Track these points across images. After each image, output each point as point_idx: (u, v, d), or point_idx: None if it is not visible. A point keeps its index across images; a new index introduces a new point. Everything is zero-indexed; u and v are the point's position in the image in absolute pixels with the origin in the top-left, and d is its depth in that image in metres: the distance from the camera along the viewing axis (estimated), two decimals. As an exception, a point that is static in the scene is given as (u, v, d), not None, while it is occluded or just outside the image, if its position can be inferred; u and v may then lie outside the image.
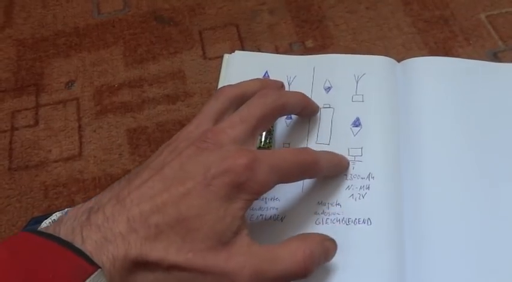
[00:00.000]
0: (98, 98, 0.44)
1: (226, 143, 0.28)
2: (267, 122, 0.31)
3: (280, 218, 0.34)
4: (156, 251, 0.26)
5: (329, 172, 0.34)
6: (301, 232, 0.33)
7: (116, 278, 0.25)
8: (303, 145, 0.37)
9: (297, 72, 0.40)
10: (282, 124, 0.38)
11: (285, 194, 0.35)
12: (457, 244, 0.32)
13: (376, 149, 0.36)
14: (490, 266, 0.31)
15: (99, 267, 0.24)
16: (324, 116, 0.38)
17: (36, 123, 0.43)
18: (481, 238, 0.32)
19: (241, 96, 0.32)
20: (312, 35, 0.46)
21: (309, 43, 0.45)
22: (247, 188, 0.27)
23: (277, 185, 0.34)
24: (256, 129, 0.30)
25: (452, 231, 0.33)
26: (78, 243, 0.25)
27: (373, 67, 0.40)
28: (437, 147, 0.36)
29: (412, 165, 0.35)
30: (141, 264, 0.26)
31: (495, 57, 0.42)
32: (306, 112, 0.36)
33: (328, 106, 0.38)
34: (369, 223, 0.33)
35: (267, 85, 0.34)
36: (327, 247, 0.29)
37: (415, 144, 0.36)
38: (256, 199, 0.28)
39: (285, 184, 0.35)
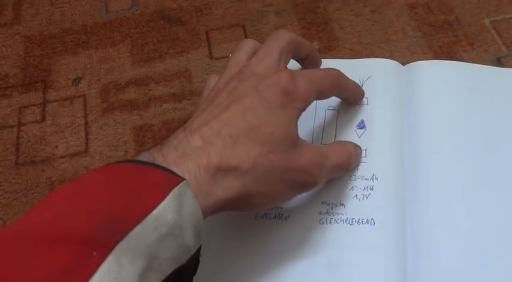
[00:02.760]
0: (104, 95, 0.45)
1: (262, 71, 0.31)
2: (287, 52, 0.33)
3: (284, 217, 0.34)
4: (238, 156, 0.28)
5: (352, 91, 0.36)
6: (305, 231, 0.34)
7: (203, 185, 0.27)
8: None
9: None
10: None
11: (289, 193, 0.35)
12: (459, 245, 0.33)
13: (380, 151, 0.36)
14: (492, 267, 0.32)
15: (185, 179, 0.25)
16: (329, 118, 0.38)
17: (43, 119, 0.44)
18: (483, 239, 0.33)
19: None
20: (318, 37, 0.46)
21: (315, 45, 0.46)
22: (296, 96, 0.30)
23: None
24: (280, 58, 0.32)
25: (454, 233, 0.33)
26: (159, 161, 0.26)
27: (378, 70, 0.40)
28: (440, 149, 0.36)
29: (415, 166, 0.36)
30: (224, 170, 0.27)
31: (498, 62, 0.43)
32: (311, 59, 0.36)
33: (333, 108, 0.39)
34: (372, 223, 0.33)
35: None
36: (359, 150, 0.35)
37: (419, 146, 0.37)
38: (304, 109, 0.31)
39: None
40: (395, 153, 0.36)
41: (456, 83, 0.40)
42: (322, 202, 0.34)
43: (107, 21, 0.50)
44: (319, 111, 0.39)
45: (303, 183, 0.30)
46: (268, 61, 0.31)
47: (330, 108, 0.39)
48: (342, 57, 0.43)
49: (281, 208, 0.35)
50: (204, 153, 0.27)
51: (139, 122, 0.43)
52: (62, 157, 0.42)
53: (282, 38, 0.33)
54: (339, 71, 0.34)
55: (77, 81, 0.46)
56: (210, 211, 0.27)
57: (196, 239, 0.26)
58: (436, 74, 0.40)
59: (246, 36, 0.47)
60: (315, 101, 0.38)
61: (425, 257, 0.32)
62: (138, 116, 0.43)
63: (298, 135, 0.30)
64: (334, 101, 0.39)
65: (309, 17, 0.48)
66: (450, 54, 0.44)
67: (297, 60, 0.36)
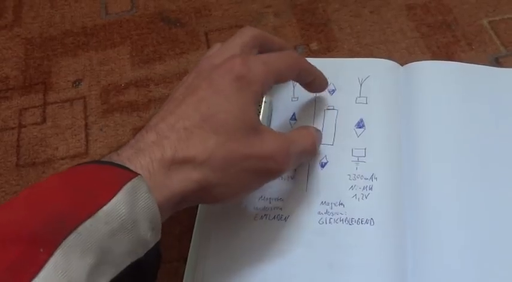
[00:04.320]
0: (104, 96, 0.45)
1: (219, 61, 0.31)
2: (250, 47, 0.33)
3: (284, 218, 0.35)
4: (193, 147, 0.27)
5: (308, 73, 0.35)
6: (305, 231, 0.34)
7: (158, 178, 0.26)
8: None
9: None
10: (286, 125, 0.39)
11: (289, 194, 0.35)
12: (459, 245, 0.33)
13: (379, 150, 0.36)
14: (491, 267, 0.32)
15: (138, 174, 0.25)
16: (328, 117, 0.38)
17: (44, 121, 0.44)
18: (482, 239, 0.33)
19: None
20: (317, 38, 0.46)
21: (314, 46, 0.46)
22: (250, 79, 0.29)
23: (281, 186, 0.35)
24: (242, 53, 0.32)
25: (453, 232, 0.33)
26: (114, 159, 0.27)
27: (376, 70, 0.40)
28: (439, 149, 0.36)
29: (414, 166, 0.36)
30: (179, 162, 0.27)
31: (497, 62, 0.43)
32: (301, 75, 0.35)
33: (332, 108, 0.39)
34: (372, 223, 0.33)
35: None
36: (320, 133, 0.36)
37: (418, 146, 0.37)
38: (262, 93, 0.30)
39: (289, 184, 0.35)
40: (394, 152, 0.36)
41: (454, 83, 0.40)
42: (322, 202, 0.35)
43: (106, 23, 0.50)
44: (318, 111, 0.39)
45: (268, 171, 0.30)
46: (227, 53, 0.31)
47: (329, 108, 0.39)
48: (341, 58, 0.43)
49: (280, 208, 0.35)
50: (158, 147, 0.27)
51: (139, 123, 0.43)
52: (63, 159, 0.42)
53: (245, 33, 0.33)
54: (296, 53, 0.33)
55: (77, 83, 0.46)
56: (170, 204, 0.27)
57: (153, 233, 0.26)
58: (435, 75, 0.40)
59: (245, 38, 0.47)
60: (314, 101, 0.39)
61: (425, 257, 0.32)
62: (138, 118, 0.43)
63: (258, 121, 0.30)
64: (333, 100, 0.39)
65: (307, 18, 0.48)
66: (448, 55, 0.44)
67: (302, 85, 0.36)
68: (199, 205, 0.37)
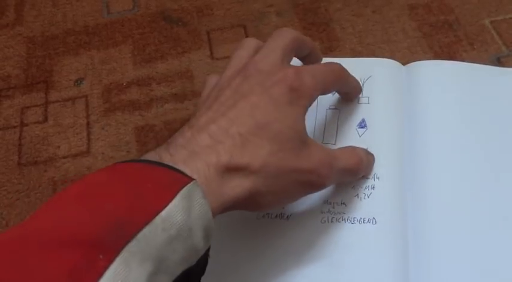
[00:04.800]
0: (106, 95, 0.45)
1: (266, 68, 0.30)
2: (290, 50, 0.32)
3: (286, 217, 0.35)
4: (248, 155, 0.27)
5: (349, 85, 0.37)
6: (307, 231, 0.34)
7: (213, 184, 0.26)
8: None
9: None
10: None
11: (291, 192, 0.35)
12: (461, 244, 0.33)
13: (381, 150, 0.36)
14: (493, 267, 0.32)
15: (194, 179, 0.25)
16: (330, 117, 0.38)
17: (46, 119, 0.44)
18: (484, 239, 0.33)
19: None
20: (319, 38, 0.46)
21: (316, 45, 0.46)
22: (302, 92, 0.30)
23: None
24: (283, 55, 0.31)
25: (456, 232, 0.33)
26: (166, 160, 0.26)
27: (379, 70, 0.40)
28: (441, 149, 0.36)
29: (416, 166, 0.36)
30: (234, 169, 0.27)
31: (498, 61, 0.43)
32: (314, 56, 0.36)
33: (334, 108, 0.39)
34: (374, 223, 0.33)
35: None
36: (371, 157, 0.35)
37: (420, 145, 0.37)
38: (310, 105, 0.31)
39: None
40: (396, 152, 0.36)
41: (456, 83, 0.40)
42: (324, 201, 0.35)
43: (108, 22, 0.50)
44: (320, 110, 0.39)
45: (311, 184, 0.30)
46: (271, 58, 0.31)
47: (331, 107, 0.39)
48: (343, 57, 0.43)
49: (283, 207, 0.35)
50: (213, 152, 0.27)
51: (141, 123, 0.43)
52: (64, 157, 0.42)
53: (285, 35, 0.32)
54: (340, 64, 0.34)
55: (78, 81, 0.46)
56: (220, 211, 0.27)
57: (205, 240, 0.25)
58: (437, 74, 0.40)
59: (247, 37, 0.47)
60: (316, 101, 0.39)
61: (427, 256, 0.32)
62: (140, 117, 0.43)
63: (306, 133, 0.30)
64: (335, 100, 0.39)
65: (309, 18, 0.48)
66: (450, 54, 0.44)
67: (298, 58, 0.35)
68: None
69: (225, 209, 0.27)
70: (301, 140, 0.29)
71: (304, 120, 0.30)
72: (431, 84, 0.40)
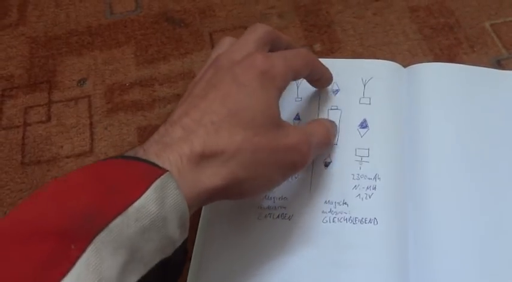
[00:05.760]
0: (109, 96, 0.45)
1: (238, 57, 0.31)
2: (264, 42, 0.33)
3: (288, 217, 0.35)
4: (222, 141, 0.27)
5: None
6: (309, 231, 0.34)
7: (187, 174, 0.26)
8: (311, 146, 0.38)
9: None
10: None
11: (293, 193, 0.36)
12: (461, 244, 0.33)
13: (382, 150, 0.36)
14: (494, 266, 0.32)
15: (167, 171, 0.25)
16: (332, 117, 0.39)
17: (49, 119, 0.44)
18: (484, 238, 0.33)
19: None
20: (320, 39, 0.47)
21: (317, 47, 0.46)
22: (273, 75, 0.30)
23: (286, 185, 0.35)
24: (257, 47, 0.32)
25: (456, 232, 0.33)
26: (140, 155, 0.26)
27: (380, 71, 0.41)
28: (441, 150, 0.37)
29: (417, 166, 0.36)
30: (209, 156, 0.27)
31: (498, 64, 0.43)
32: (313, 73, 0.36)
33: (336, 108, 0.39)
34: (375, 223, 0.34)
35: None
36: (334, 125, 0.36)
37: (420, 146, 0.37)
38: (283, 88, 0.31)
39: (293, 183, 0.36)
40: (397, 153, 0.37)
41: (457, 85, 0.40)
42: (326, 201, 0.35)
43: (111, 22, 0.50)
44: (321, 111, 0.39)
45: (293, 163, 0.30)
46: (244, 49, 0.31)
47: (332, 108, 0.39)
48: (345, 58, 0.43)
49: (284, 208, 0.35)
50: (186, 142, 0.27)
51: (143, 123, 0.43)
52: (67, 157, 0.42)
53: (258, 30, 0.33)
54: (307, 49, 0.34)
55: (81, 82, 0.46)
56: (199, 201, 0.27)
57: (181, 230, 0.26)
58: (437, 76, 0.41)
59: (249, 38, 0.48)
60: (317, 101, 0.40)
61: (428, 256, 0.33)
62: (142, 117, 0.44)
63: (280, 116, 0.30)
64: (336, 100, 0.39)
65: (311, 20, 0.48)
66: (451, 57, 0.44)
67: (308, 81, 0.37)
68: (204, 204, 0.37)
69: (205, 198, 0.27)
70: (276, 123, 0.29)
71: (277, 103, 0.30)
72: (431, 86, 0.40)
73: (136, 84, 0.46)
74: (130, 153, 0.27)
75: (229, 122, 0.28)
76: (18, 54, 0.49)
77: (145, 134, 0.43)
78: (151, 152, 0.27)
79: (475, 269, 0.32)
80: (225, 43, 0.34)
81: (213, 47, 0.47)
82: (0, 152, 0.43)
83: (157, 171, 0.25)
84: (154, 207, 0.24)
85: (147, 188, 0.24)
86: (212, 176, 0.27)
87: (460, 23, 0.47)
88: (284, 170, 0.30)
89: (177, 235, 0.25)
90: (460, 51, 0.45)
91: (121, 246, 0.22)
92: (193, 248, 0.35)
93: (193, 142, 0.27)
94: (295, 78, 0.33)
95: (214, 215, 0.36)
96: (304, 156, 0.30)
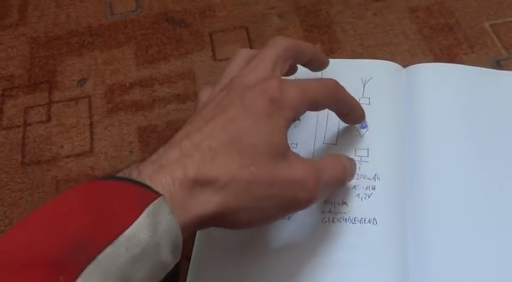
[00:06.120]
0: (109, 96, 0.45)
1: (253, 80, 0.29)
2: (283, 60, 0.31)
3: (287, 217, 0.35)
4: (216, 169, 0.26)
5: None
6: (308, 231, 0.34)
7: (178, 199, 0.25)
8: (311, 146, 0.38)
9: (305, 75, 0.41)
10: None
11: (293, 193, 0.36)
12: (460, 244, 0.33)
13: (382, 151, 0.37)
14: (493, 266, 0.32)
15: (161, 195, 0.24)
16: (332, 117, 0.38)
17: (49, 119, 0.44)
18: (483, 238, 0.33)
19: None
20: (320, 40, 0.47)
21: (317, 47, 0.46)
22: (284, 104, 0.28)
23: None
24: (274, 67, 0.31)
25: (455, 232, 0.33)
26: (134, 176, 0.25)
27: (379, 71, 0.41)
28: (441, 150, 0.37)
29: (417, 167, 0.36)
30: (202, 183, 0.26)
31: (498, 65, 0.43)
32: (316, 62, 0.35)
33: (335, 109, 0.39)
34: (375, 223, 0.34)
35: None
36: (353, 163, 0.33)
37: (420, 146, 0.37)
38: (294, 119, 0.29)
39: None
40: (397, 153, 0.37)
41: (456, 85, 0.40)
42: (325, 201, 0.35)
43: (111, 23, 0.50)
44: (321, 112, 0.39)
45: (295, 200, 0.28)
46: (260, 70, 0.30)
47: (332, 109, 0.39)
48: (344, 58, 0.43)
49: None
50: (180, 166, 0.26)
51: (143, 123, 0.43)
52: (68, 157, 0.42)
53: (278, 44, 0.31)
54: (336, 81, 0.32)
55: (82, 82, 0.47)
56: (189, 227, 0.26)
57: (173, 255, 0.25)
58: (437, 77, 0.41)
59: (249, 39, 0.48)
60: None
61: (427, 256, 0.33)
62: (142, 117, 0.44)
63: (287, 146, 0.28)
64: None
65: (311, 20, 0.48)
66: (450, 57, 0.44)
67: (302, 65, 0.35)
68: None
69: (195, 225, 0.26)
70: (278, 152, 0.27)
71: (284, 133, 0.28)
72: (431, 87, 0.40)
73: (137, 84, 0.46)
74: (125, 173, 0.26)
75: (227, 148, 0.27)
76: (19, 54, 0.49)
77: (145, 134, 0.43)
78: (145, 173, 0.26)
79: (474, 269, 0.32)
80: (242, 58, 0.32)
81: (213, 47, 0.48)
82: (1, 152, 0.43)
83: (151, 195, 0.24)
84: (146, 234, 0.23)
85: (139, 213, 0.23)
86: (204, 204, 0.26)
87: (460, 23, 0.47)
88: (284, 206, 0.28)
89: (170, 259, 0.25)
90: (459, 51, 0.45)
91: (111, 276, 0.22)
92: (192, 248, 0.35)
93: (187, 167, 0.26)
94: (313, 109, 0.31)
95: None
96: (309, 192, 0.28)
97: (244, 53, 0.33)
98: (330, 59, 0.42)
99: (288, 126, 0.29)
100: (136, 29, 0.50)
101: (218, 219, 0.27)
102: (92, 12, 0.51)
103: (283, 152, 0.28)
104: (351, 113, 0.34)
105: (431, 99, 0.39)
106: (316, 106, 0.31)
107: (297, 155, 0.29)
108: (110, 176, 0.26)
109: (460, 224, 0.34)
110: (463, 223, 0.34)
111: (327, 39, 0.47)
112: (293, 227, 0.34)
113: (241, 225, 0.28)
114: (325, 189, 0.30)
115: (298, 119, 0.39)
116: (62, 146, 0.43)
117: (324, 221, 0.34)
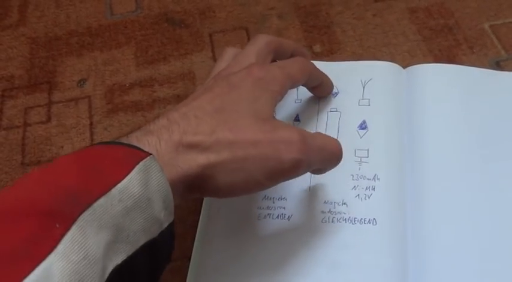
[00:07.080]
0: (109, 96, 0.45)
1: (237, 70, 0.31)
2: (265, 54, 0.33)
3: (287, 217, 0.35)
4: (201, 132, 0.28)
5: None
6: (308, 231, 0.34)
7: (165, 157, 0.27)
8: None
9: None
10: (289, 126, 0.39)
11: (292, 193, 0.36)
12: (459, 245, 0.33)
13: (381, 151, 0.37)
14: (492, 267, 0.32)
15: (151, 154, 0.26)
16: (331, 119, 0.39)
17: (49, 119, 0.44)
18: (483, 239, 0.33)
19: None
20: (320, 40, 0.47)
21: (317, 48, 0.46)
22: (269, 80, 0.30)
23: (285, 185, 0.35)
24: (257, 60, 0.32)
25: (454, 233, 0.33)
26: (123, 140, 0.27)
27: (379, 72, 0.41)
28: (440, 151, 0.37)
29: (416, 167, 0.36)
30: (187, 145, 0.27)
31: (497, 65, 0.44)
32: (299, 54, 0.36)
33: (335, 110, 0.39)
34: (374, 223, 0.34)
35: None
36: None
37: (419, 147, 0.37)
38: (281, 95, 0.31)
39: (293, 184, 0.36)
40: (396, 153, 0.37)
41: (456, 86, 0.40)
42: (325, 201, 0.35)
43: (111, 23, 0.50)
44: (321, 113, 0.39)
45: (279, 160, 0.27)
46: (244, 62, 0.32)
47: (332, 110, 0.39)
48: (344, 60, 0.44)
49: (284, 208, 0.35)
50: (167, 130, 0.28)
51: (143, 123, 0.43)
52: (67, 157, 0.42)
53: (259, 40, 0.34)
54: (303, 58, 0.34)
55: (81, 82, 0.47)
56: (176, 186, 0.27)
57: (166, 212, 0.26)
58: (436, 77, 0.41)
59: (249, 39, 0.48)
60: (317, 103, 0.40)
61: (426, 257, 0.33)
62: (142, 117, 0.44)
63: (272, 114, 0.30)
64: (335, 102, 0.39)
65: (311, 21, 0.48)
66: (450, 58, 0.44)
67: (308, 89, 0.38)
68: (203, 203, 0.37)
69: (181, 183, 0.27)
70: (262, 117, 0.29)
71: (269, 103, 0.30)
72: (430, 87, 0.40)
73: (136, 85, 0.46)
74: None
75: (212, 116, 0.28)
76: (19, 55, 0.49)
77: (145, 134, 0.43)
78: (133, 136, 0.27)
79: (474, 269, 0.32)
80: (228, 55, 0.34)
81: (213, 48, 0.48)
82: (1, 153, 0.43)
83: (140, 154, 0.26)
84: (137, 188, 0.24)
85: (130, 170, 0.25)
86: (189, 161, 0.27)
87: (460, 24, 0.47)
88: (268, 168, 0.27)
89: (162, 216, 0.26)
90: (459, 52, 0.45)
91: (105, 225, 0.23)
92: (192, 248, 0.35)
93: (173, 131, 0.28)
94: (293, 85, 0.33)
95: (213, 214, 0.36)
96: (294, 153, 0.27)
97: (231, 51, 0.35)
98: (328, 63, 0.43)
99: (274, 100, 0.30)
100: (136, 30, 0.50)
101: (202, 181, 0.28)
102: (92, 12, 0.51)
103: (267, 117, 0.29)
104: (321, 85, 0.37)
105: (431, 100, 0.39)
106: (297, 82, 0.33)
107: (283, 122, 0.31)
108: (102, 142, 0.28)
109: (460, 225, 0.34)
110: (462, 223, 0.34)
111: (326, 40, 0.47)
112: (293, 227, 0.35)
113: (225, 190, 0.28)
114: (314, 157, 0.29)
115: (299, 121, 0.39)
116: (62, 147, 0.43)
117: (323, 221, 0.34)
